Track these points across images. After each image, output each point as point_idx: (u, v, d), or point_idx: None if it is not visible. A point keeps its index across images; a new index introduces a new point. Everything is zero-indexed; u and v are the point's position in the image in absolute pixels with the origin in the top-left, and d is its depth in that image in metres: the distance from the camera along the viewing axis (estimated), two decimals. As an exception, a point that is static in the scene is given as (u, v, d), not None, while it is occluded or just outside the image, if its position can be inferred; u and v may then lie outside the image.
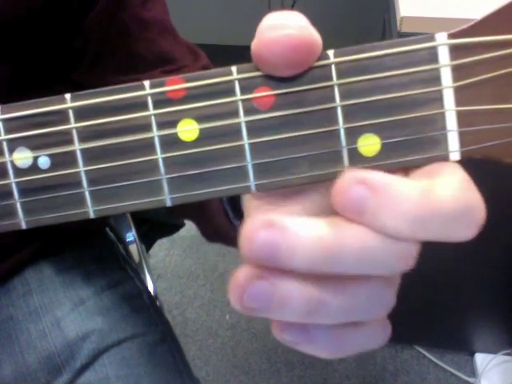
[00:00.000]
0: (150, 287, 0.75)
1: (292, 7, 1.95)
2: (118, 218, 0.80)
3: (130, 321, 0.58)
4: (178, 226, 0.87)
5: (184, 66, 0.51)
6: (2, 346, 0.56)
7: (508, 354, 1.23)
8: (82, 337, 0.56)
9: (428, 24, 0.79)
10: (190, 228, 0.51)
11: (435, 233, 0.20)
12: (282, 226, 0.20)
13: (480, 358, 1.26)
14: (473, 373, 1.27)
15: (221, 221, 0.39)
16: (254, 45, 0.21)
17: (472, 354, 1.28)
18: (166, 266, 1.54)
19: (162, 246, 1.56)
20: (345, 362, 1.32)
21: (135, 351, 0.56)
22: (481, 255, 1.09)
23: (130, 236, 0.80)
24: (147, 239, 0.86)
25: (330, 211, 0.21)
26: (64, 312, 0.57)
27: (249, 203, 0.28)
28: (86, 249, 0.63)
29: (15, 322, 0.57)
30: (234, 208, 0.38)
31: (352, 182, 0.20)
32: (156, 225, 0.87)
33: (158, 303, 0.69)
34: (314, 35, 0.21)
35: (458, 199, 0.20)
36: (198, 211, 0.42)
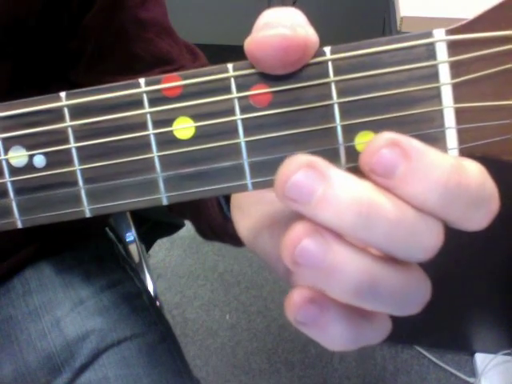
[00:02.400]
0: (150, 287, 0.75)
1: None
2: (118, 217, 0.80)
3: (130, 321, 0.58)
4: (178, 226, 0.87)
5: (182, 66, 0.51)
6: (2, 345, 0.56)
7: (508, 354, 1.23)
8: (82, 337, 0.56)
9: (428, 24, 0.79)
10: (190, 228, 0.51)
11: (458, 211, 0.20)
12: (323, 172, 0.19)
13: (480, 358, 1.26)
14: (473, 373, 1.27)
15: (216, 218, 0.39)
16: (247, 43, 0.21)
17: (472, 354, 1.28)
18: (166, 265, 1.54)
19: (162, 246, 1.56)
20: (345, 361, 1.32)
21: (135, 351, 0.56)
22: (481, 255, 1.09)
23: (130, 236, 0.80)
24: (147, 239, 0.86)
25: None
26: (64, 312, 0.57)
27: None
28: (85, 249, 0.63)
29: (15, 321, 0.57)
30: (229, 204, 0.38)
31: (385, 143, 0.20)
32: (156, 225, 0.87)
33: (157, 303, 0.69)
34: (308, 34, 0.21)
35: (484, 182, 0.20)
36: (194, 209, 0.42)
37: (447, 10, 0.78)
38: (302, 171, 0.19)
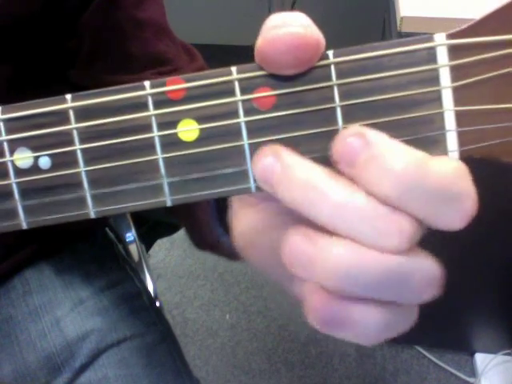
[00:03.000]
0: (150, 287, 0.75)
1: (292, 7, 1.95)
2: (118, 218, 0.80)
3: (130, 321, 0.58)
4: (178, 226, 0.87)
5: (179, 67, 0.51)
6: (2, 345, 0.56)
7: (508, 354, 1.23)
8: (82, 337, 0.56)
9: (428, 24, 0.79)
10: (190, 228, 0.51)
11: (420, 207, 0.20)
12: (283, 158, 0.22)
13: (480, 358, 1.26)
14: (473, 373, 1.27)
15: (208, 232, 0.39)
16: (259, 43, 0.22)
17: (472, 354, 1.28)
18: (166, 265, 1.54)
19: (161, 245, 1.56)
20: (345, 361, 1.32)
21: (134, 351, 0.56)
22: (481, 255, 1.09)
23: (130, 236, 0.80)
24: (147, 239, 0.86)
25: None
26: (64, 312, 0.57)
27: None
28: (85, 249, 0.63)
29: (15, 321, 0.57)
30: (221, 219, 0.38)
31: (351, 133, 0.21)
32: (156, 225, 0.87)
33: (157, 303, 0.69)
34: (318, 34, 0.21)
35: (447, 180, 0.20)
36: (188, 220, 0.42)
37: (447, 10, 0.78)
38: (269, 157, 0.22)
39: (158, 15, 0.51)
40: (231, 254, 0.31)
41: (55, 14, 0.47)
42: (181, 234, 0.88)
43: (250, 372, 1.31)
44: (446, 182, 0.20)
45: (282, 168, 0.22)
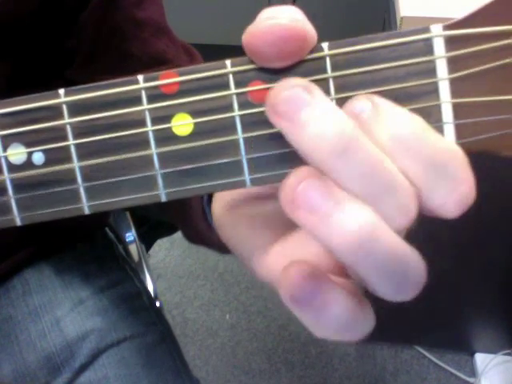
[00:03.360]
0: (150, 287, 0.75)
1: (292, 7, 1.95)
2: (118, 217, 0.80)
3: (129, 321, 0.58)
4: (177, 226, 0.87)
5: (178, 66, 0.51)
6: (2, 345, 0.56)
7: (508, 354, 1.23)
8: (82, 336, 0.56)
9: (428, 24, 0.79)
10: (190, 228, 0.51)
11: (414, 167, 0.20)
12: (314, 95, 0.20)
13: (480, 358, 1.25)
14: (473, 373, 1.27)
15: (201, 225, 0.38)
16: (245, 35, 0.21)
17: (472, 354, 1.28)
18: (166, 265, 1.54)
19: (162, 245, 1.56)
20: (345, 361, 1.32)
21: (134, 351, 0.56)
22: (481, 255, 1.08)
23: (130, 236, 0.80)
24: (147, 239, 0.86)
25: None
26: (63, 312, 0.57)
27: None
28: (85, 249, 0.63)
29: (15, 321, 0.57)
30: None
31: (361, 98, 0.21)
32: (156, 225, 0.87)
33: (157, 303, 0.69)
34: (306, 27, 0.21)
35: (448, 154, 0.20)
36: (180, 214, 0.42)
37: (447, 9, 0.78)
38: (294, 89, 0.20)
39: (158, 15, 0.51)
40: (221, 246, 0.31)
41: (53, 13, 0.47)
42: (181, 233, 0.88)
43: (249, 372, 1.31)
44: (445, 154, 0.20)
45: (311, 108, 0.20)
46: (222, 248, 0.31)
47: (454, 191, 0.20)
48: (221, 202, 0.29)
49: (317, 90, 0.21)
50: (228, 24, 2.12)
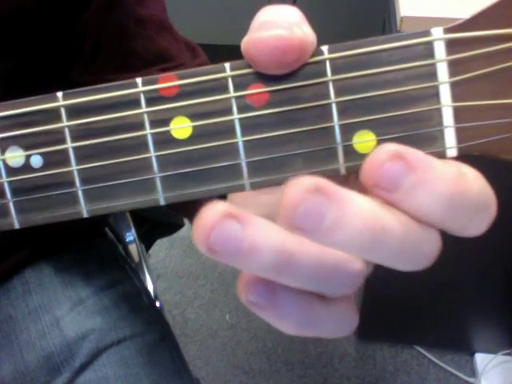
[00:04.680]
0: (150, 287, 0.75)
1: (292, 7, 1.95)
2: (118, 217, 0.80)
3: (129, 320, 0.58)
4: (177, 226, 0.87)
5: (182, 63, 0.51)
6: (2, 345, 0.56)
7: (508, 354, 1.23)
8: (82, 336, 0.56)
9: (428, 24, 0.79)
10: (190, 228, 0.51)
11: (462, 220, 0.20)
12: (333, 196, 0.18)
13: (480, 358, 1.25)
14: (473, 373, 1.27)
15: None
16: (244, 43, 0.21)
17: (472, 354, 1.28)
18: (166, 265, 1.53)
19: (162, 245, 1.56)
20: (345, 362, 1.32)
21: (134, 351, 0.56)
22: (481, 255, 1.08)
23: (130, 236, 0.80)
24: (147, 239, 0.86)
25: None
26: (63, 311, 0.57)
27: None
28: (85, 249, 0.63)
29: (15, 321, 0.57)
30: None
31: (388, 155, 0.19)
32: (156, 225, 0.87)
33: (157, 303, 0.69)
34: (305, 34, 0.21)
35: (484, 190, 0.20)
36: (190, 208, 0.42)
37: (447, 9, 0.78)
38: (311, 197, 0.18)
39: (160, 12, 0.51)
40: None
41: (54, 11, 0.47)
42: (181, 233, 0.88)
43: (249, 372, 1.31)
44: (482, 191, 0.20)
45: (336, 212, 0.18)
46: None
47: (487, 218, 0.20)
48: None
49: (330, 187, 0.18)
50: (228, 24, 2.12)
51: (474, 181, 0.20)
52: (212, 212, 0.19)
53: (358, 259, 0.21)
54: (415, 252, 0.20)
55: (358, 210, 0.18)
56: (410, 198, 0.19)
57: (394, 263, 0.20)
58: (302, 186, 0.18)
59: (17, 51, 0.48)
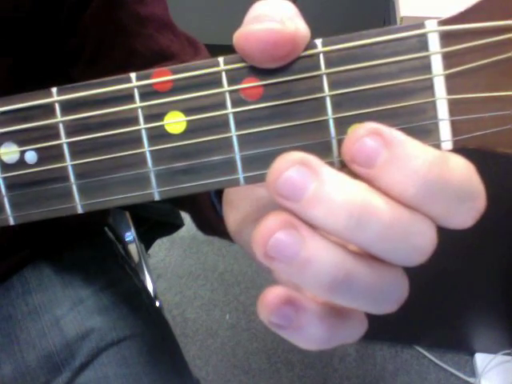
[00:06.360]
0: (150, 287, 0.75)
1: (292, 7, 1.95)
2: (117, 217, 0.80)
3: (129, 320, 0.58)
4: (177, 226, 0.87)
5: (184, 60, 0.51)
6: (2, 345, 0.56)
7: (508, 354, 1.23)
8: (82, 336, 0.56)
9: (428, 24, 0.79)
10: (190, 228, 0.51)
11: (441, 205, 0.20)
12: (316, 170, 0.19)
13: (480, 358, 1.25)
14: (473, 373, 1.27)
15: (210, 214, 0.38)
16: (235, 36, 0.21)
17: (472, 354, 1.28)
18: (166, 265, 1.54)
19: (162, 245, 1.56)
20: (345, 361, 1.32)
21: (134, 350, 0.56)
22: (481, 255, 1.08)
23: (130, 236, 0.80)
24: (147, 239, 0.86)
25: None
26: (63, 311, 0.57)
27: None
28: (85, 248, 0.63)
29: (14, 321, 0.57)
30: (221, 201, 0.38)
31: (366, 131, 0.20)
32: (156, 224, 0.87)
33: (157, 303, 0.69)
34: (298, 28, 0.21)
35: (469, 177, 0.20)
36: (191, 204, 0.42)
37: (447, 9, 0.78)
38: (295, 168, 0.19)
39: (160, 10, 0.51)
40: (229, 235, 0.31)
41: (53, 9, 0.47)
42: (181, 233, 0.89)
43: (249, 372, 1.31)
44: (465, 179, 0.20)
45: (318, 184, 0.19)
46: (230, 238, 0.32)
47: (473, 208, 0.20)
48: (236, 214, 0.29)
49: (314, 161, 0.19)
50: (227, 24, 2.12)
51: (457, 167, 0.20)
52: (274, 218, 0.19)
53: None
54: (404, 241, 0.20)
55: (340, 185, 0.19)
56: (385, 174, 0.19)
57: (384, 252, 0.20)
58: (289, 157, 0.19)
59: (16, 48, 0.47)
